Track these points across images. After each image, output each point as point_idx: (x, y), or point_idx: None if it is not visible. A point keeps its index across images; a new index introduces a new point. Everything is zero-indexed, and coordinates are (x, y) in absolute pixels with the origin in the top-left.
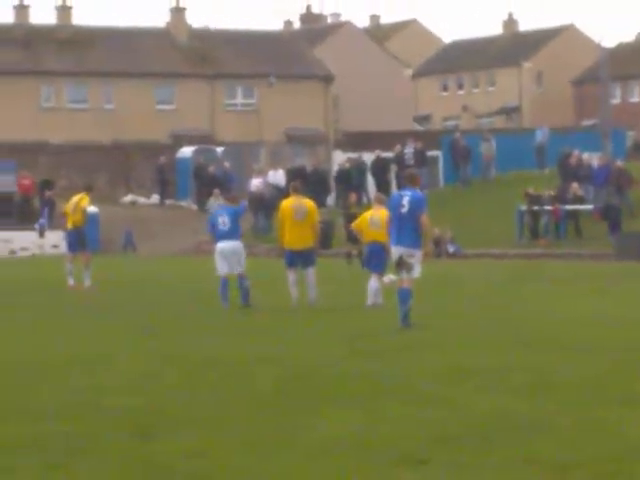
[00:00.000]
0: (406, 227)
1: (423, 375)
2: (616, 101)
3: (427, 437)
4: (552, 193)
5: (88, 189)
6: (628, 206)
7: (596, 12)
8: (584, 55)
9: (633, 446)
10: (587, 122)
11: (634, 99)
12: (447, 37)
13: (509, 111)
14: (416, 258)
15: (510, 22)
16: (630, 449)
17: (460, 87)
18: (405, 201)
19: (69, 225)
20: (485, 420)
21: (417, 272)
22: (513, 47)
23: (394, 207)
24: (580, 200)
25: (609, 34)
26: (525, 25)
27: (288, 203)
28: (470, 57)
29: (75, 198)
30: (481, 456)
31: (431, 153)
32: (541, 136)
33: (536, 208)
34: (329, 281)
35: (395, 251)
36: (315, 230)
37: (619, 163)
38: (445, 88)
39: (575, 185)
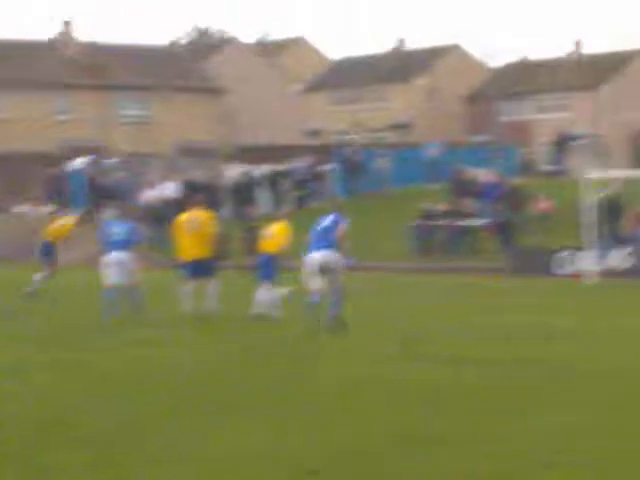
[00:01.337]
0: (328, 237)
1: (321, 386)
2: (506, 118)
3: (327, 449)
4: (445, 208)
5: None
6: (522, 222)
7: (481, 33)
8: (472, 74)
9: (526, 458)
10: (478, 138)
11: (523, 117)
12: (335, 55)
13: (400, 126)
14: (338, 267)
15: (398, 41)
16: (524, 462)
17: (351, 102)
18: (329, 219)
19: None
20: (384, 433)
21: (340, 280)
22: (403, 64)
23: (318, 224)
24: (473, 215)
25: (497, 54)
26: (412, 44)
27: (183, 216)
28: (361, 73)
29: (64, 221)
30: (373, 468)
31: (324, 167)
32: (433, 152)
33: (429, 223)
34: (224, 292)
35: (316, 257)
36: (211, 241)
37: (514, 180)
38: (336, 103)
39: (468, 200)
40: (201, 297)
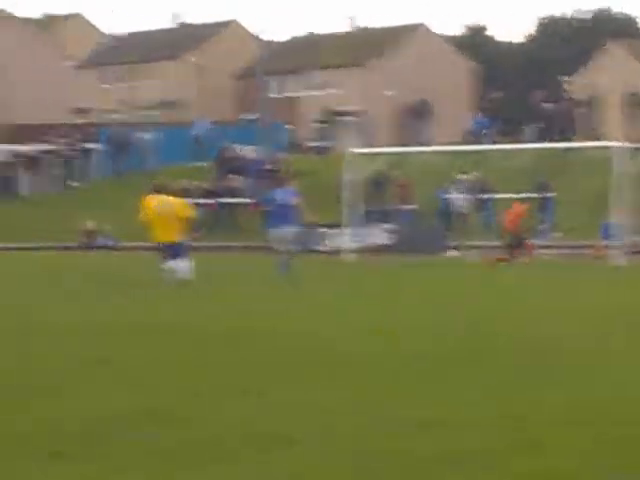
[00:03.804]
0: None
1: None
2: (275, 95)
3: None
4: (206, 186)
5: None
6: None
7: (259, 10)
8: (246, 50)
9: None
10: (248, 116)
11: (290, 94)
12: (114, 31)
13: (170, 104)
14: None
15: (175, 16)
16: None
17: (120, 80)
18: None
19: None
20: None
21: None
22: (175, 40)
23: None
24: (237, 193)
25: (270, 31)
26: (191, 19)
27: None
28: (131, 50)
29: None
30: None
31: (90, 145)
32: (200, 129)
33: (190, 200)
34: None
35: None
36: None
37: (281, 157)
38: (106, 80)
39: (232, 177)
40: None
